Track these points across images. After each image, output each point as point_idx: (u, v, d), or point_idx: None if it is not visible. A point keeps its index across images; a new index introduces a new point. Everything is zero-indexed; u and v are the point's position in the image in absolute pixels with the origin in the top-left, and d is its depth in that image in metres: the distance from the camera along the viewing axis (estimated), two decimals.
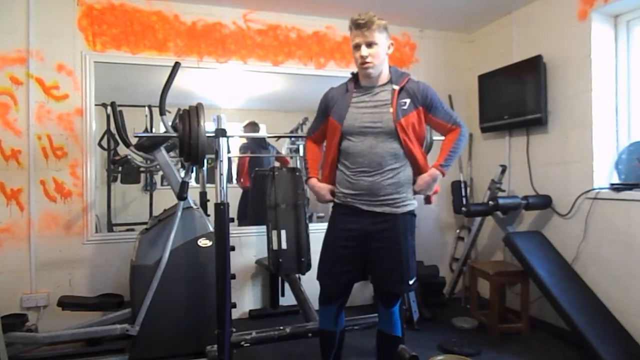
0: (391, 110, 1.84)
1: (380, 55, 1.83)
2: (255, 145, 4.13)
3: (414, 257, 1.94)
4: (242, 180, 4.06)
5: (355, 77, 1.97)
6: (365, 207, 1.87)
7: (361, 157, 1.86)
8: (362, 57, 1.82)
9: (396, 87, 1.87)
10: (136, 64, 3.10)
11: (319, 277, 1.99)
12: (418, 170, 1.92)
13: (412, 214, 1.92)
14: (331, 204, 2.03)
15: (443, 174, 1.92)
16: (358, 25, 1.80)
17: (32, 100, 2.84)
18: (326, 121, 1.98)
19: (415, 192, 1.94)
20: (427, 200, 2.04)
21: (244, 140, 4.18)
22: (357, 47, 1.83)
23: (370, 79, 1.90)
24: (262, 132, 4.18)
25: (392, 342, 2.06)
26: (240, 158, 4.12)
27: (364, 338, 2.66)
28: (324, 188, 1.99)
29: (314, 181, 2.02)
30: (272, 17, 3.39)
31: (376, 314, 2.59)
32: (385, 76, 1.91)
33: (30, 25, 2.84)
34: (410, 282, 1.91)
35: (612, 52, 2.81)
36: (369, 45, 1.81)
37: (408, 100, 1.87)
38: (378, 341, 2.08)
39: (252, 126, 3.99)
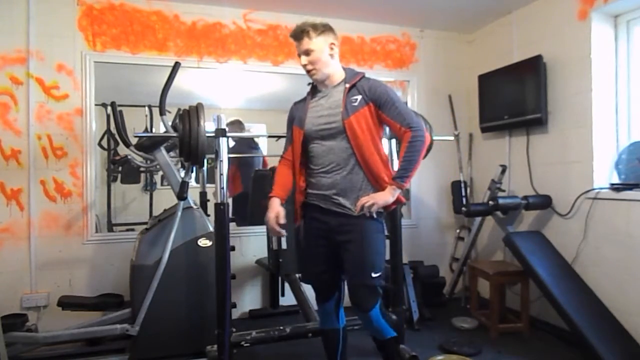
0: (341, 109, 1.85)
1: (320, 59, 1.87)
2: (244, 146, 4.08)
3: (380, 251, 1.88)
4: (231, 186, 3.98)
5: (314, 85, 2.01)
6: (325, 205, 1.88)
7: (321, 158, 1.90)
8: (303, 65, 1.89)
9: (347, 85, 1.87)
10: (136, 64, 3.10)
11: (302, 280, 2.01)
12: (370, 174, 1.84)
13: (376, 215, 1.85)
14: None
15: (400, 187, 1.80)
16: (292, 38, 1.90)
17: (32, 100, 2.84)
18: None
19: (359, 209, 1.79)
20: (386, 208, 1.90)
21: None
22: (299, 56, 1.90)
23: (322, 83, 1.94)
24: (262, 132, 4.18)
25: (384, 345, 2.03)
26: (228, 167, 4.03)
27: (364, 338, 2.65)
28: (273, 210, 1.90)
29: (272, 200, 1.94)
30: (272, 17, 3.39)
31: None
32: (338, 77, 1.93)
33: (30, 25, 2.84)
34: (374, 275, 1.83)
35: (612, 52, 2.80)
36: (306, 53, 1.87)
37: (359, 97, 1.84)
38: (376, 345, 2.09)
39: (238, 125, 3.93)
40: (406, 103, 2.12)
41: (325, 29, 1.88)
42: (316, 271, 1.96)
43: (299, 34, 1.86)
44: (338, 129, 1.84)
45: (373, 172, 1.83)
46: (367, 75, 1.94)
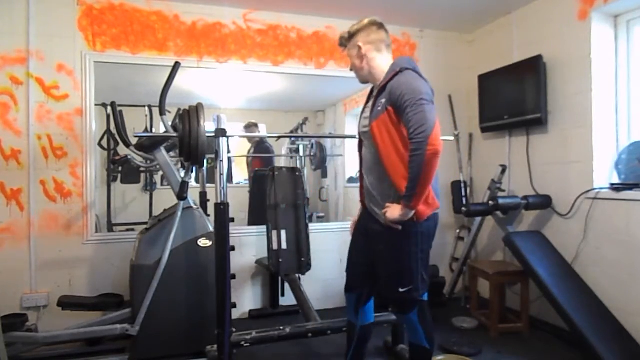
0: (369, 113, 1.84)
1: (354, 64, 1.92)
2: (265, 144, 4.17)
3: (408, 266, 1.80)
4: None
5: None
6: (368, 207, 1.92)
7: (362, 160, 1.95)
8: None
9: (379, 87, 1.82)
10: (136, 64, 3.09)
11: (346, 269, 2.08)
12: (394, 181, 1.74)
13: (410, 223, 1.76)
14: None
15: (409, 208, 1.67)
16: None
17: (32, 100, 2.84)
18: None
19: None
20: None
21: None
22: None
23: (373, 83, 1.92)
24: (262, 132, 4.20)
25: (417, 353, 1.96)
26: (252, 162, 4.17)
27: None
28: (355, 217, 2.08)
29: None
30: (272, 17, 3.39)
31: (378, 314, 2.60)
32: (379, 76, 1.86)
33: (30, 25, 2.84)
34: (401, 290, 1.79)
35: (612, 52, 2.80)
36: (349, 59, 1.94)
37: (384, 100, 1.75)
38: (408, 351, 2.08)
39: (254, 127, 4.00)
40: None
41: (355, 32, 1.88)
42: (353, 262, 2.05)
43: (340, 44, 1.95)
44: (370, 133, 1.80)
45: (394, 180, 1.73)
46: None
